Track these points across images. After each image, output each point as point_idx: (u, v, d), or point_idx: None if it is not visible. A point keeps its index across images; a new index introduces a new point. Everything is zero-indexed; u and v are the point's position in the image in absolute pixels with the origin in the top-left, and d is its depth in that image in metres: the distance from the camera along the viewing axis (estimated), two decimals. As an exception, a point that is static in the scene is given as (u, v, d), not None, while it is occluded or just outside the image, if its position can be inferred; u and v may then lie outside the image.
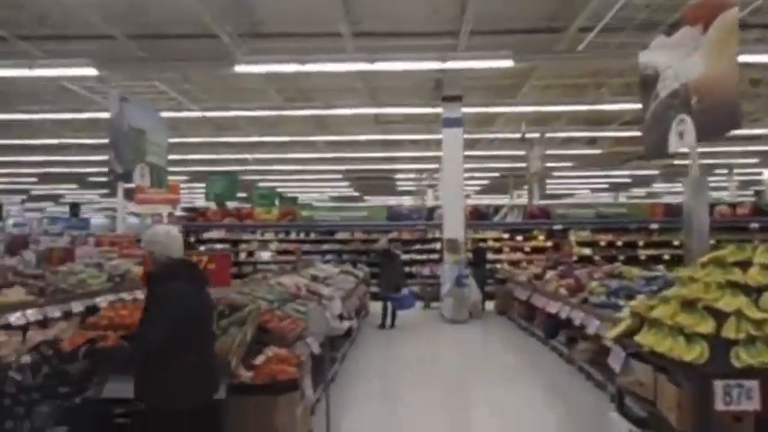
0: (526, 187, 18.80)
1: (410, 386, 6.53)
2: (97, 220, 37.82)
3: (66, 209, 29.83)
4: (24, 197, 30.21)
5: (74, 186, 26.92)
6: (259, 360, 3.87)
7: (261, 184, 24.75)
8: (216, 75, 11.00)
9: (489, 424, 5.45)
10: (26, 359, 3.36)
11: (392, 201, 29.11)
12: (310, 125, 16.27)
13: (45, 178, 23.92)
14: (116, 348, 3.70)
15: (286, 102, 13.33)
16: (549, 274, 8.99)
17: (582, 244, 14.13)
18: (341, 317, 5.54)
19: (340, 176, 25.32)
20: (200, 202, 24.85)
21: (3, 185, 25.95)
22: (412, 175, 24.11)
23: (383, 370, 7.33)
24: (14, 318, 7.62)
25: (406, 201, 28.69)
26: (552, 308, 7.72)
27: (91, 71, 9.33)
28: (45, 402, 3.26)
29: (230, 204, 18.12)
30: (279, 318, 4.84)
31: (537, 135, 14.78)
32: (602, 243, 14.40)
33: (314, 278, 8.03)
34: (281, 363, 3.87)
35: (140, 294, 10.90)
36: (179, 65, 9.38)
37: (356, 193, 31.98)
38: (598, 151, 18.13)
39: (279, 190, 24.75)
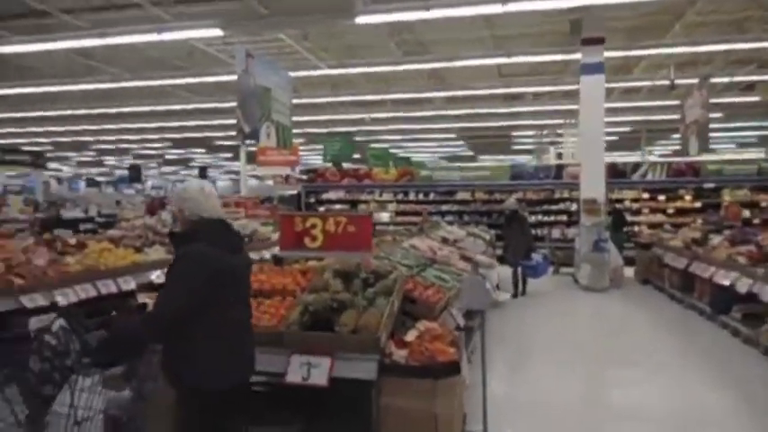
0: (661, 142, 16.86)
1: (557, 369, 5.64)
2: (222, 182, 39.99)
3: (196, 172, 31.68)
4: (160, 161, 32.44)
5: (202, 151, 28.37)
6: (411, 336, 3.38)
7: (373, 145, 24.53)
8: (338, 27, 10.54)
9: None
10: (61, 323, 3.00)
11: (507, 160, 27.77)
12: (428, 81, 15.53)
13: (177, 143, 25.35)
14: (130, 322, 3.22)
15: (405, 56, 12.69)
16: (716, 239, 7.75)
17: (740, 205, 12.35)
18: (497, 287, 4.92)
19: (454, 135, 24.44)
20: (316, 164, 25.17)
21: (142, 150, 27.89)
22: (530, 132, 22.64)
23: (522, 347, 6.42)
24: (155, 276, 7.84)
25: (522, 160, 27.25)
26: (724, 278, 6.59)
27: (216, 32, 9.27)
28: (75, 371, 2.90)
29: (346, 165, 18.03)
30: (423, 286, 4.33)
31: (693, 81, 12.90)
32: (765, 204, 12.49)
33: (444, 240, 7.47)
34: (436, 340, 3.35)
35: (267, 255, 11.05)
36: (301, 19, 9.01)
37: (469, 153, 30.92)
38: (756, 98, 15.75)
39: (391, 151, 24.43)
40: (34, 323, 2.87)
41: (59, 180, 33.22)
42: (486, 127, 21.22)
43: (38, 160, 20.72)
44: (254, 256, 10.06)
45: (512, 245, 9.28)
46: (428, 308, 3.93)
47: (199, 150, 28.01)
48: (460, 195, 14.45)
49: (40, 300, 6.03)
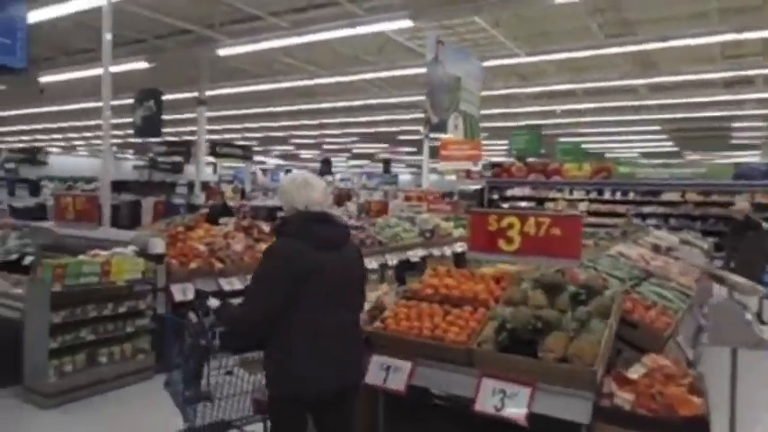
0: None
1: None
2: (404, 176, 40.94)
3: (380, 166, 32.81)
4: (348, 155, 34.20)
5: (386, 145, 29.20)
6: (636, 373, 2.66)
7: (562, 140, 22.94)
8: (534, 9, 9.74)
9: None
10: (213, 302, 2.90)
11: (718, 156, 24.02)
12: (632, 66, 13.85)
13: (364, 137, 26.38)
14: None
15: (607, 38, 11.38)
16: None
17: None
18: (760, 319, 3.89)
19: (657, 128, 21.78)
20: (496, 160, 24.29)
21: (332, 145, 29.59)
22: (759, 124, 19.19)
23: None
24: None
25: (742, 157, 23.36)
26: None
27: (406, 23, 9.13)
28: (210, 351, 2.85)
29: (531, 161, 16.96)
30: (643, 306, 3.52)
31: None
32: None
33: (655, 248, 6.36)
34: (670, 382, 2.59)
35: (449, 251, 10.70)
36: (494, 3, 8.43)
37: (674, 149, 27.47)
38: None
39: (582, 146, 22.60)
40: (213, 303, 2.90)
41: (264, 171, 36.73)
42: (700, 118, 18.49)
43: (246, 153, 22.94)
44: (435, 252, 9.80)
45: (741, 258, 7.67)
46: (653, 336, 3.16)
47: (383, 145, 28.84)
48: (667, 196, 12.70)
49: (236, 284, 6.34)
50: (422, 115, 19.37)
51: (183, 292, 5.66)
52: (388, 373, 3.16)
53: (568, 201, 13.87)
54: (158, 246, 5.37)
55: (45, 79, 14.27)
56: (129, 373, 4.93)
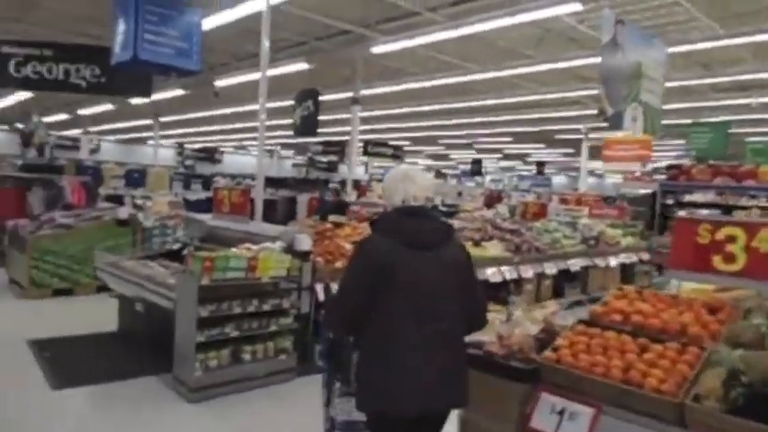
0: None
1: None
2: (558, 178, 38.68)
3: (532, 167, 31.23)
4: (500, 156, 33.04)
5: (541, 146, 27.63)
6: None
7: (753, 138, 19.76)
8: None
9: None
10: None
11: None
12: None
13: (517, 137, 25.16)
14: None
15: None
16: None
17: None
18: None
19: None
20: (667, 162, 21.65)
21: (483, 145, 28.71)
22: None
23: None
24: (490, 272, 7.22)
25: None
26: None
27: (575, 6, 8.15)
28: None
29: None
30: None
31: None
32: None
33: None
34: None
35: (614, 262, 9.46)
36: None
37: None
38: None
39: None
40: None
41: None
42: None
43: (397, 152, 23.03)
44: (598, 262, 8.68)
45: None
46: None
47: (537, 145, 27.32)
48: None
49: None
50: (582, 112, 17.87)
51: (324, 291, 5.41)
52: (561, 419, 2.49)
53: (764, 209, 11.68)
54: (305, 243, 5.16)
55: (219, 83, 15.36)
56: (270, 372, 4.76)
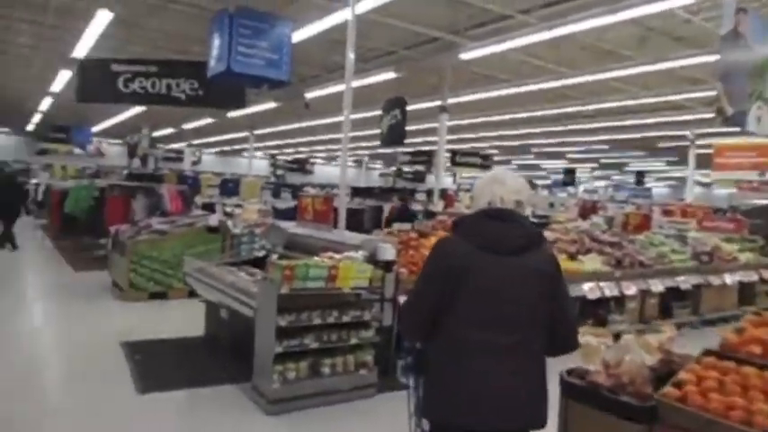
0: None
1: None
2: (658, 189, 36.18)
3: (630, 177, 29.35)
4: (594, 165, 31.42)
5: (640, 154, 25.94)
6: None
7: None
8: None
9: None
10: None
11: None
12: None
13: (614, 145, 23.76)
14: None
15: None
16: None
17: None
18: None
19: None
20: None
21: (576, 154, 27.39)
22: None
23: None
24: (588, 288, 6.63)
25: None
26: None
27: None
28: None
29: None
30: None
31: None
32: None
33: None
34: None
35: (729, 280, 8.47)
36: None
37: None
38: None
39: None
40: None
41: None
42: None
43: (485, 162, 22.44)
44: (713, 280, 7.78)
45: None
46: None
47: (636, 153, 25.63)
48: None
49: None
50: (689, 117, 16.48)
51: (410, 304, 5.14)
52: (687, 472, 2.05)
53: None
54: (388, 252, 4.92)
55: (310, 95, 15.64)
56: (350, 387, 4.53)
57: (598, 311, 6.72)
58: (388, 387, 4.86)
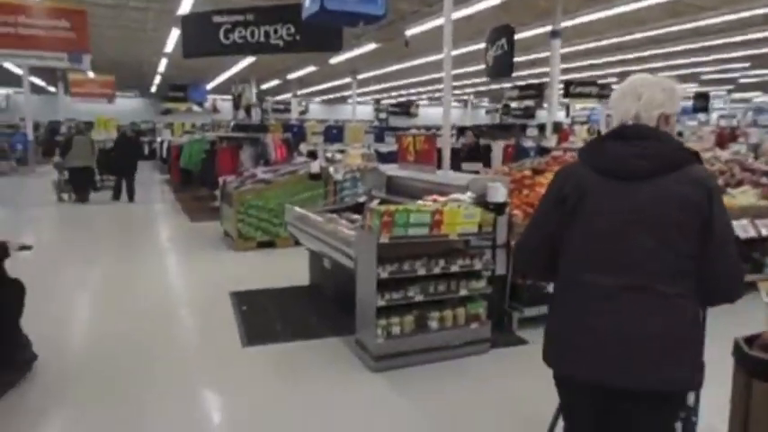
0: None
1: None
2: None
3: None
4: (731, 86, 27.67)
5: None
6: None
7: None
8: None
9: None
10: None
11: None
12: None
13: (756, 61, 20.55)
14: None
15: None
16: None
17: None
18: None
19: None
20: None
21: (710, 75, 24.19)
22: None
23: None
24: (740, 226, 5.60)
25: None
26: None
27: None
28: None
29: None
30: None
31: None
32: None
33: None
34: None
35: None
36: None
37: None
38: None
39: None
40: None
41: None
42: None
43: (603, 91, 20.46)
44: None
45: None
46: None
47: (786, 69, 22.00)
48: None
49: None
50: None
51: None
52: None
53: None
54: (499, 193, 4.31)
55: (410, 32, 14.83)
56: (461, 343, 4.08)
57: (752, 255, 5.69)
58: (503, 342, 4.38)
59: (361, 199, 5.86)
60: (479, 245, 4.26)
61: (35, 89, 29.01)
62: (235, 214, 7.58)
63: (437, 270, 3.94)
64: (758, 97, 30.67)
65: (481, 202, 4.33)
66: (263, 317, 5.00)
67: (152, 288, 6.03)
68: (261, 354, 4.25)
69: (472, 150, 7.98)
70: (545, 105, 28.43)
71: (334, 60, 19.68)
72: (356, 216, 5.49)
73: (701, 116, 28.36)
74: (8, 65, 18.51)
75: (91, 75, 21.88)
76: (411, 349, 3.93)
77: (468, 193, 4.43)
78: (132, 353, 4.25)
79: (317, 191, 7.59)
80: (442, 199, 4.43)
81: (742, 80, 25.19)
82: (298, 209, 5.70)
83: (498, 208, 4.30)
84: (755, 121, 21.94)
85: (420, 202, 4.49)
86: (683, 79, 26.05)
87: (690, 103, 28.03)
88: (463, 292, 4.06)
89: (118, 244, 8.50)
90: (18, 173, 18.38)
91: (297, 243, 6.11)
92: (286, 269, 6.51)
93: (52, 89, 27.67)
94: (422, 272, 3.89)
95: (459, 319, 4.08)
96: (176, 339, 4.62)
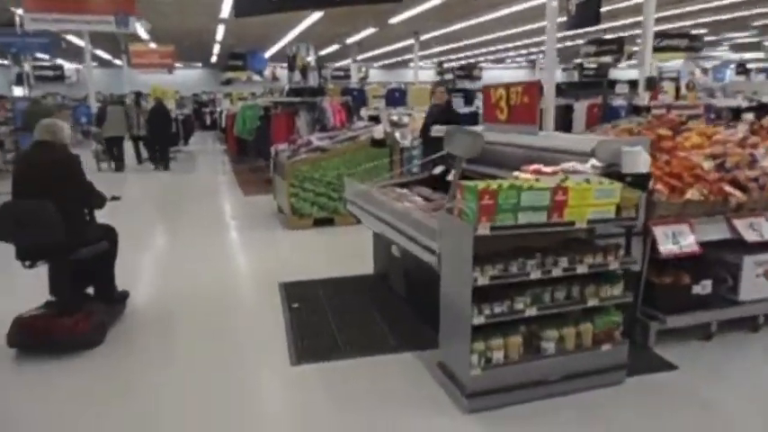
0: None
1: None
2: None
3: None
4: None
5: None
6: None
7: None
8: None
9: None
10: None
11: None
12: None
13: None
14: None
15: None
16: None
17: None
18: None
19: None
20: None
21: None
22: None
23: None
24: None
25: None
26: None
27: None
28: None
29: None
30: None
31: None
32: None
33: None
34: None
35: None
36: None
37: None
38: None
39: None
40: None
41: (705, 70, 29.63)
42: None
43: (694, 44, 18.04)
44: None
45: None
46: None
47: None
48: None
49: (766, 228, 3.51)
50: None
51: (672, 238, 3.26)
52: None
53: None
54: (641, 161, 3.01)
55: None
56: (587, 371, 2.89)
57: None
58: (642, 367, 3.14)
59: (436, 170, 4.68)
60: (607, 232, 3.02)
61: (102, 63, 29.16)
62: (287, 188, 6.57)
63: (558, 272, 2.73)
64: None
65: (611, 173, 3.06)
66: (318, 320, 3.95)
67: (189, 277, 5.11)
68: (314, 375, 3.20)
69: (444, 113, 6.14)
70: (622, 63, 25.81)
71: (395, 20, 18.27)
72: (431, 192, 4.32)
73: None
74: (72, 38, 18.27)
75: (153, 46, 21.45)
76: (518, 382, 2.77)
77: (593, 161, 3.16)
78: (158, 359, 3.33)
79: (382, 160, 6.43)
80: (547, 170, 3.20)
81: None
82: (359, 183, 4.59)
83: (640, 181, 3.01)
84: None
85: (517, 173, 3.28)
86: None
87: None
88: (592, 302, 2.84)
89: (156, 223, 7.69)
90: (82, 145, 18.27)
91: (359, 221, 5.04)
92: (346, 253, 5.47)
93: (118, 62, 27.67)
94: (535, 275, 2.70)
95: (584, 339, 2.87)
96: (208, 359, 3.59)
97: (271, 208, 7.74)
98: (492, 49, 28.77)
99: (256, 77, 27.07)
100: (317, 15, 16.36)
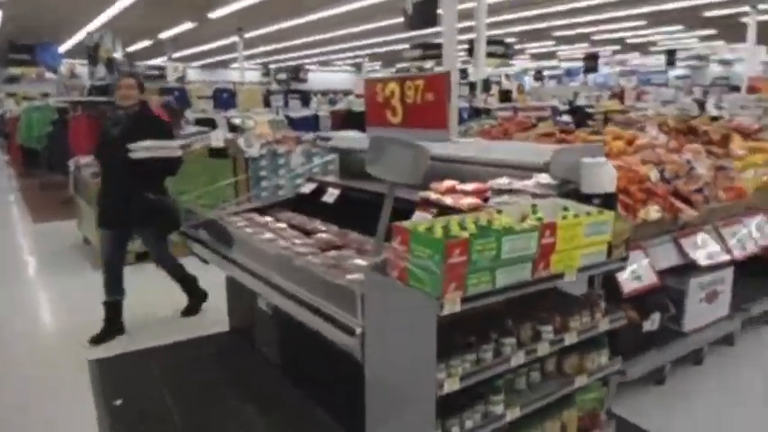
0: None
1: None
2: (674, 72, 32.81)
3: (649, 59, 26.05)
4: (617, 47, 27.85)
5: (679, 28, 22.43)
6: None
7: None
8: None
9: None
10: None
11: None
12: None
13: (653, 19, 20.29)
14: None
15: None
16: None
17: None
18: None
19: None
20: None
21: (603, 34, 23.86)
22: None
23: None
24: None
25: None
26: None
27: None
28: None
29: None
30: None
31: None
32: None
33: None
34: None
35: None
36: None
37: None
38: None
39: None
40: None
41: (507, 76, 32.30)
42: None
43: (507, 51, 19.16)
44: None
45: None
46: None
47: (674, 28, 22.10)
48: None
49: (711, 247, 3.02)
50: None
51: (631, 270, 2.58)
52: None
53: None
54: (608, 176, 2.25)
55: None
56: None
57: None
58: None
59: (306, 188, 3.56)
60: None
61: None
62: (95, 213, 4.86)
63: (544, 348, 1.81)
64: (636, 59, 31.37)
65: (569, 192, 2.26)
66: (157, 426, 2.59)
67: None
68: None
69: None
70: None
71: (215, 14, 16.49)
72: (306, 219, 3.20)
73: (580, 77, 28.53)
74: None
75: None
76: None
77: (540, 178, 2.33)
78: None
79: (224, 174, 5.04)
80: (468, 188, 2.34)
81: (630, 40, 25.26)
82: (199, 209, 3.29)
83: (607, 203, 2.25)
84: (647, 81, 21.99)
85: (424, 193, 2.37)
86: (577, 39, 25.72)
87: (575, 66, 28.00)
88: (580, 382, 1.99)
89: None
90: None
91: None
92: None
93: None
94: (517, 360, 1.75)
95: (568, 427, 2.02)
96: None
97: (75, 238, 5.86)
98: (317, 51, 28.07)
99: (50, 75, 22.84)
100: (124, 3, 13.99)
